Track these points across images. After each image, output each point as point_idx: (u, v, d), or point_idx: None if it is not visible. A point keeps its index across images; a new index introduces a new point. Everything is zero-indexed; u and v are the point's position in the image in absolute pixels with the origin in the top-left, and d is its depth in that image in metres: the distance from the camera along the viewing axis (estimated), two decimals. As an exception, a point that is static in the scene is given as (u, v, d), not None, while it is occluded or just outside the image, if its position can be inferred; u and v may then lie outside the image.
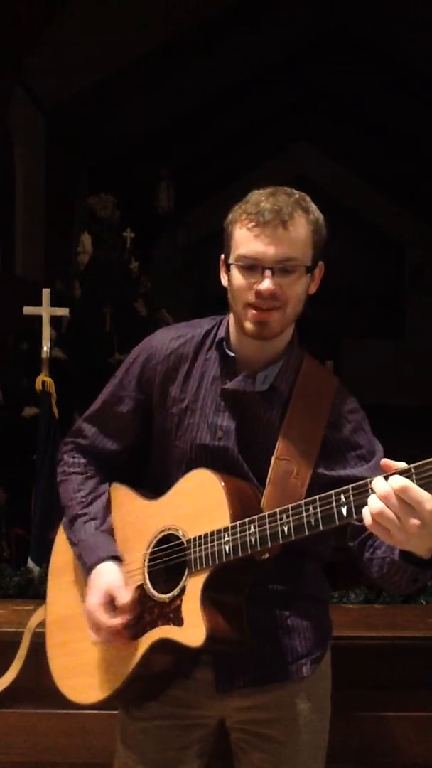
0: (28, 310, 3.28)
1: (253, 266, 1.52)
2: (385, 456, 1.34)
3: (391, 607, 2.53)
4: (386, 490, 1.24)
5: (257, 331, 1.55)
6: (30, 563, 2.89)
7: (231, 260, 1.55)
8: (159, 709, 1.62)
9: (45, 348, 3.21)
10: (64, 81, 6.74)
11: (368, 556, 1.52)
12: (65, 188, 7.46)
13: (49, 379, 3.16)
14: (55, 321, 3.79)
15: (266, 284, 1.50)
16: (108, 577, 1.59)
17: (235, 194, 1.61)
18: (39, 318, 3.25)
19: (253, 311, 1.53)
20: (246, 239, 1.52)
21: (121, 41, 6.54)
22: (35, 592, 2.61)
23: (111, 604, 1.56)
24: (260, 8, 6.86)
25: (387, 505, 1.24)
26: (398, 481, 1.23)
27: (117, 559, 1.62)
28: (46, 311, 3.25)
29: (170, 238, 10.59)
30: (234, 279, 1.55)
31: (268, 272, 1.51)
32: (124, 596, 1.56)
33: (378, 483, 1.26)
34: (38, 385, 3.17)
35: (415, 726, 2.31)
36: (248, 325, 1.55)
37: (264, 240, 1.51)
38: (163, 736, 1.63)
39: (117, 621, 1.55)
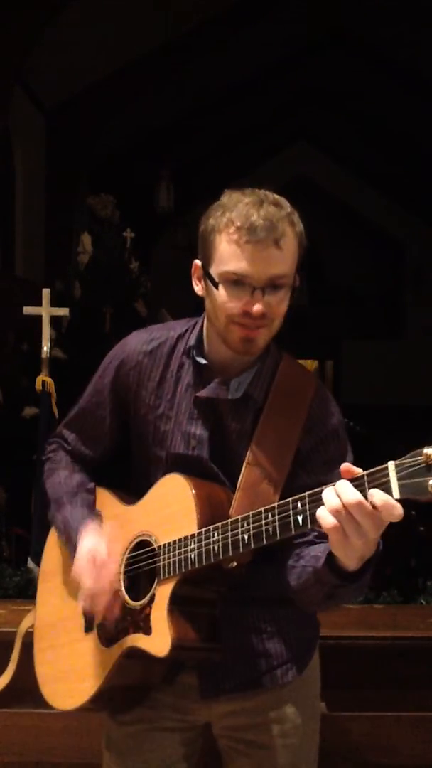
0: (28, 310, 3.29)
1: (239, 282, 1.45)
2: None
3: (391, 607, 2.53)
4: (354, 495, 1.23)
5: (244, 348, 1.50)
6: (30, 563, 2.89)
7: (215, 276, 1.47)
8: (143, 713, 1.61)
9: (45, 348, 3.21)
10: (64, 81, 6.74)
11: (291, 563, 1.50)
12: (65, 188, 7.45)
13: (49, 379, 3.16)
14: (55, 321, 3.80)
15: (257, 307, 1.44)
16: (91, 538, 1.56)
17: (222, 198, 1.56)
18: (39, 318, 3.26)
19: (241, 328, 1.47)
20: (234, 255, 1.44)
21: (121, 41, 6.54)
22: (35, 592, 2.61)
23: (95, 563, 1.53)
24: (260, 8, 6.86)
25: (351, 510, 1.23)
26: (352, 496, 1.23)
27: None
28: (46, 311, 3.25)
29: (170, 238, 10.58)
30: (218, 295, 1.47)
31: (258, 293, 1.44)
32: (103, 553, 1.53)
33: (343, 488, 1.25)
34: (38, 385, 3.17)
35: (415, 726, 2.31)
36: (234, 343, 1.49)
37: (256, 259, 1.43)
38: (147, 741, 1.62)
39: (102, 579, 1.51)
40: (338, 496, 1.25)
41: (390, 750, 2.30)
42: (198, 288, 1.56)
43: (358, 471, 1.27)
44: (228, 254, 1.45)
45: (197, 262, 1.54)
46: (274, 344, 1.62)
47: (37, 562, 2.83)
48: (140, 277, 5.27)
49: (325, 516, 1.26)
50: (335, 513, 1.24)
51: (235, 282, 1.45)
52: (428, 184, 9.72)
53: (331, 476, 1.50)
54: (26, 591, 2.69)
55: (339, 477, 1.51)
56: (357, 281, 11.41)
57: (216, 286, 1.47)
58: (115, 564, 1.54)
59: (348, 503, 1.23)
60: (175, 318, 1.82)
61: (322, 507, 1.26)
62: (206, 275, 1.51)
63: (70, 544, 1.62)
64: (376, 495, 1.21)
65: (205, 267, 1.51)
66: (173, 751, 1.63)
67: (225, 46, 7.16)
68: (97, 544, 1.54)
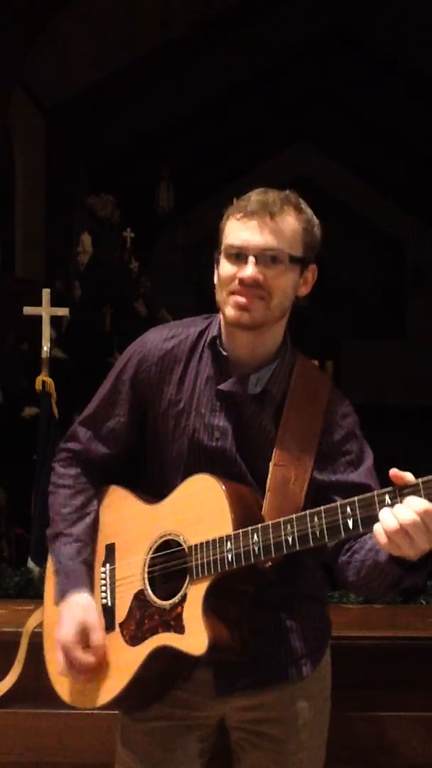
0: (28, 310, 3.28)
1: (238, 255, 1.53)
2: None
3: (391, 607, 2.53)
4: (408, 515, 1.27)
5: (238, 316, 1.54)
6: (30, 563, 2.88)
7: (221, 252, 1.56)
8: (159, 709, 1.62)
9: (45, 348, 3.20)
10: (64, 81, 6.74)
11: (345, 559, 1.52)
12: (65, 188, 7.46)
13: (49, 379, 3.16)
14: (55, 321, 3.79)
15: (249, 270, 1.51)
16: (84, 611, 1.59)
17: (235, 194, 1.61)
18: (39, 318, 3.25)
19: (235, 296, 1.53)
20: (234, 229, 1.54)
21: (121, 41, 6.54)
22: (35, 592, 2.61)
23: (84, 639, 1.57)
24: (260, 8, 6.86)
25: (404, 525, 1.26)
26: (420, 504, 1.26)
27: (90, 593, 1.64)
28: (46, 311, 3.24)
29: (170, 238, 10.58)
30: (221, 269, 1.56)
31: (251, 259, 1.51)
32: (99, 637, 1.57)
33: (400, 509, 1.28)
34: (38, 385, 3.16)
35: (415, 726, 2.31)
36: (229, 311, 1.54)
37: (250, 228, 1.52)
38: (163, 737, 1.62)
39: (90, 660, 1.56)
40: (395, 517, 1.28)
41: (390, 750, 2.30)
42: (216, 279, 1.62)
43: (410, 478, 1.29)
44: (230, 230, 1.56)
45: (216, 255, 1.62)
46: (290, 341, 1.66)
47: (37, 562, 2.84)
48: (140, 277, 5.25)
49: (380, 533, 1.29)
50: (391, 533, 1.28)
51: (235, 255, 1.54)
52: (428, 184, 9.73)
53: (354, 474, 1.58)
54: (26, 591, 2.68)
55: (365, 475, 1.57)
56: (357, 281, 11.42)
57: (221, 262, 1.56)
58: (103, 644, 1.58)
59: (404, 523, 1.27)
60: (175, 319, 1.83)
61: (378, 524, 1.30)
62: (216, 254, 1.59)
63: (58, 585, 1.65)
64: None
65: (216, 250, 1.59)
66: (188, 749, 1.64)
67: (225, 47, 7.15)
68: (90, 619, 1.58)
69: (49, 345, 3.24)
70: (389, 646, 2.36)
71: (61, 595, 1.62)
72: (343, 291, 11.31)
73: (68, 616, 1.59)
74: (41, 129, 7.29)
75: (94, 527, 1.69)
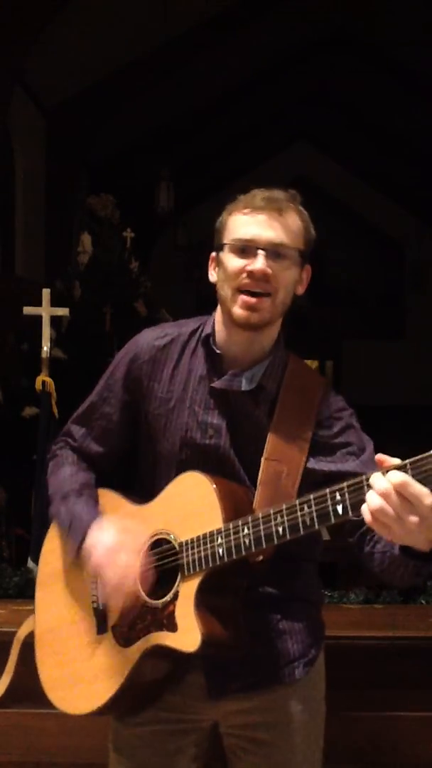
0: (28, 310, 3.28)
1: (246, 249, 1.55)
2: (379, 451, 1.34)
3: (391, 607, 2.53)
4: (385, 487, 1.23)
5: (246, 317, 1.55)
6: (30, 563, 2.88)
7: (225, 246, 1.57)
8: (151, 714, 1.61)
9: (45, 348, 3.21)
10: (64, 81, 6.73)
11: (368, 550, 1.51)
12: (65, 188, 7.45)
13: (49, 379, 3.16)
14: (55, 321, 3.79)
15: (259, 263, 1.53)
16: (112, 532, 1.55)
17: (235, 194, 1.63)
18: (39, 318, 3.25)
19: (244, 297, 1.54)
20: (241, 223, 1.57)
21: (121, 41, 6.54)
22: (35, 592, 2.61)
23: (119, 559, 1.52)
24: (260, 8, 6.86)
25: (386, 502, 1.23)
26: (397, 477, 1.23)
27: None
28: (46, 311, 3.25)
29: (170, 238, 10.58)
30: (227, 262, 1.57)
31: (261, 252, 1.53)
32: (129, 549, 1.53)
33: (376, 480, 1.25)
34: (38, 385, 3.17)
35: (415, 726, 2.31)
36: (237, 311, 1.55)
37: (259, 223, 1.55)
38: (156, 741, 1.62)
39: (137, 561, 1.52)
40: (373, 490, 1.25)
41: (390, 750, 2.30)
42: (212, 276, 1.63)
43: (395, 461, 1.27)
44: (236, 224, 1.58)
45: (213, 253, 1.63)
46: (282, 341, 1.66)
47: (37, 562, 2.84)
48: (140, 277, 5.26)
49: (364, 511, 1.27)
50: (374, 511, 1.25)
51: (241, 249, 1.55)
52: (428, 184, 9.72)
53: (357, 463, 1.58)
54: (26, 591, 2.68)
55: (368, 464, 1.56)
56: (357, 281, 11.41)
57: (226, 256, 1.57)
58: (137, 564, 1.53)
59: (380, 492, 1.23)
60: (175, 319, 1.84)
61: (364, 505, 1.27)
62: (218, 249, 1.60)
63: (73, 537, 1.61)
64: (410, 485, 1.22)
65: (218, 246, 1.61)
66: (181, 753, 1.63)
67: (225, 47, 7.15)
68: (121, 539, 1.53)
69: (49, 345, 3.24)
70: (389, 646, 2.36)
71: (82, 535, 1.58)
72: (343, 291, 11.30)
73: (98, 541, 1.55)
74: (41, 129, 7.29)
75: (98, 500, 1.68)
